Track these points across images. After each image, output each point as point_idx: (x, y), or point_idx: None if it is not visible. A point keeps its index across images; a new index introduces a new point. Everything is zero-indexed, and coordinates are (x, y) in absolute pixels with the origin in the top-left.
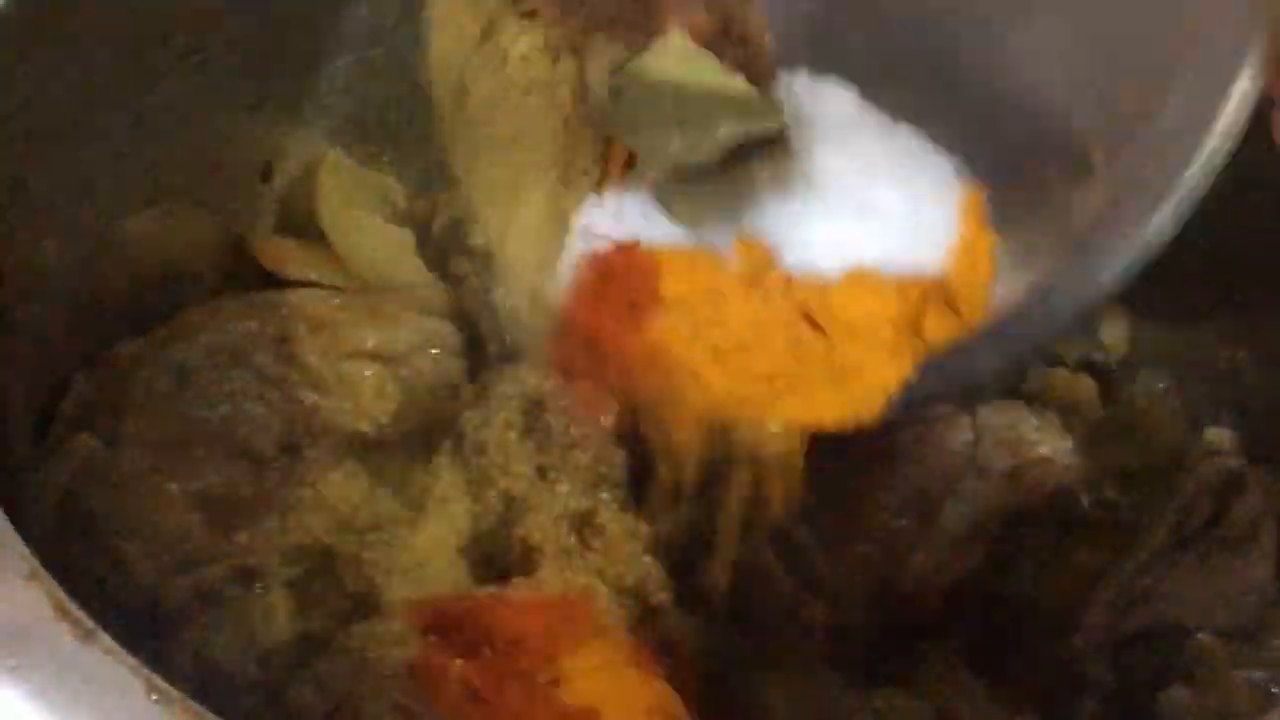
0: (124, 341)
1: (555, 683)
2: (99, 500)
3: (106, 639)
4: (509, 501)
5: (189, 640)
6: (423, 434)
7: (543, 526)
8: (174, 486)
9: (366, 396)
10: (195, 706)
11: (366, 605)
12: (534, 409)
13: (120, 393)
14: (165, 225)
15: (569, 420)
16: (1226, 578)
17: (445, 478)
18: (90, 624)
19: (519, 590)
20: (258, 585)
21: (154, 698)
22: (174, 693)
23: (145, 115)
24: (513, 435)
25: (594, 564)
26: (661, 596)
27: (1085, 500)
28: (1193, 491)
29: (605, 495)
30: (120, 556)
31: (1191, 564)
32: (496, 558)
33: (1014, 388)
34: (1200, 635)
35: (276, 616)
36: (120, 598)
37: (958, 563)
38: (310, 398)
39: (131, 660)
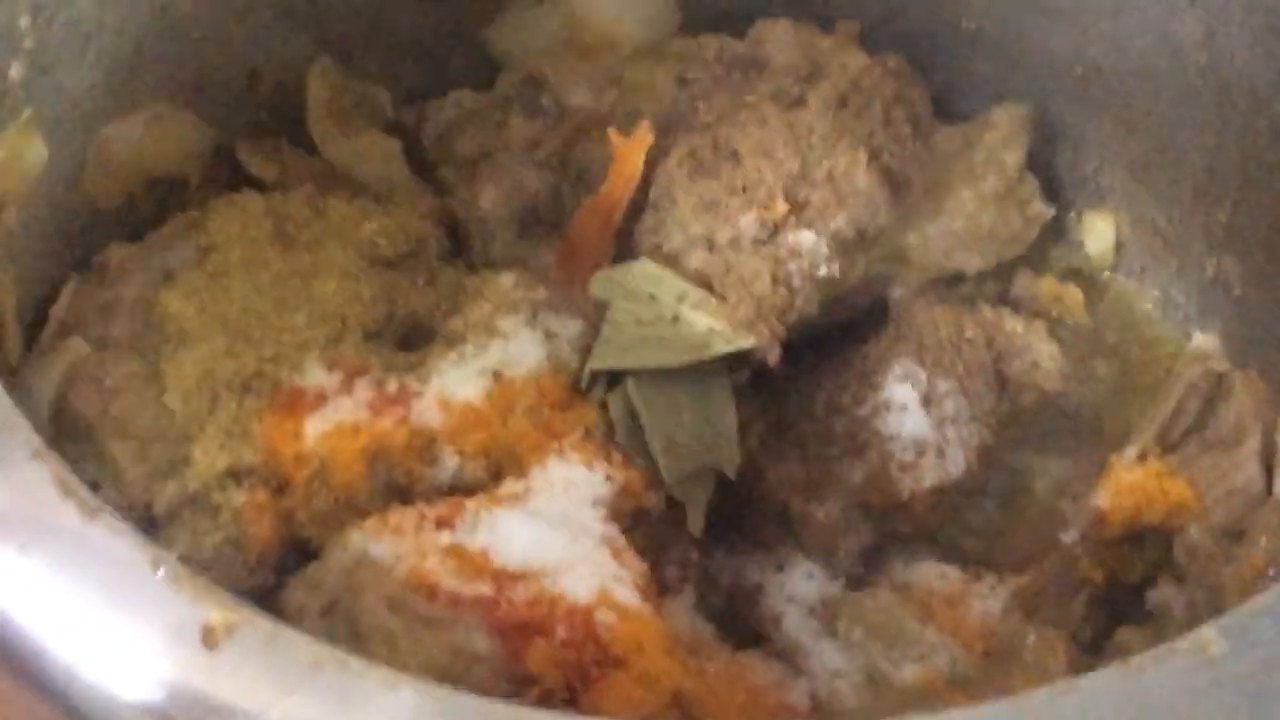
0: (114, 246)
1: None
2: (90, 404)
3: (110, 517)
4: None
5: (180, 545)
6: (408, 336)
7: (536, 424)
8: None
9: (355, 299)
10: (201, 581)
11: (355, 507)
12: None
13: (111, 297)
14: (152, 130)
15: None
16: (1213, 479)
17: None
18: (95, 502)
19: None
20: (246, 489)
21: (160, 573)
22: (180, 568)
23: (132, 20)
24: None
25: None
26: (653, 499)
27: (1072, 405)
28: (1180, 396)
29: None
30: (111, 460)
31: (1178, 465)
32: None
33: (1001, 295)
34: (1190, 530)
35: (266, 520)
36: (112, 502)
37: (948, 466)
38: (297, 301)
39: (139, 537)
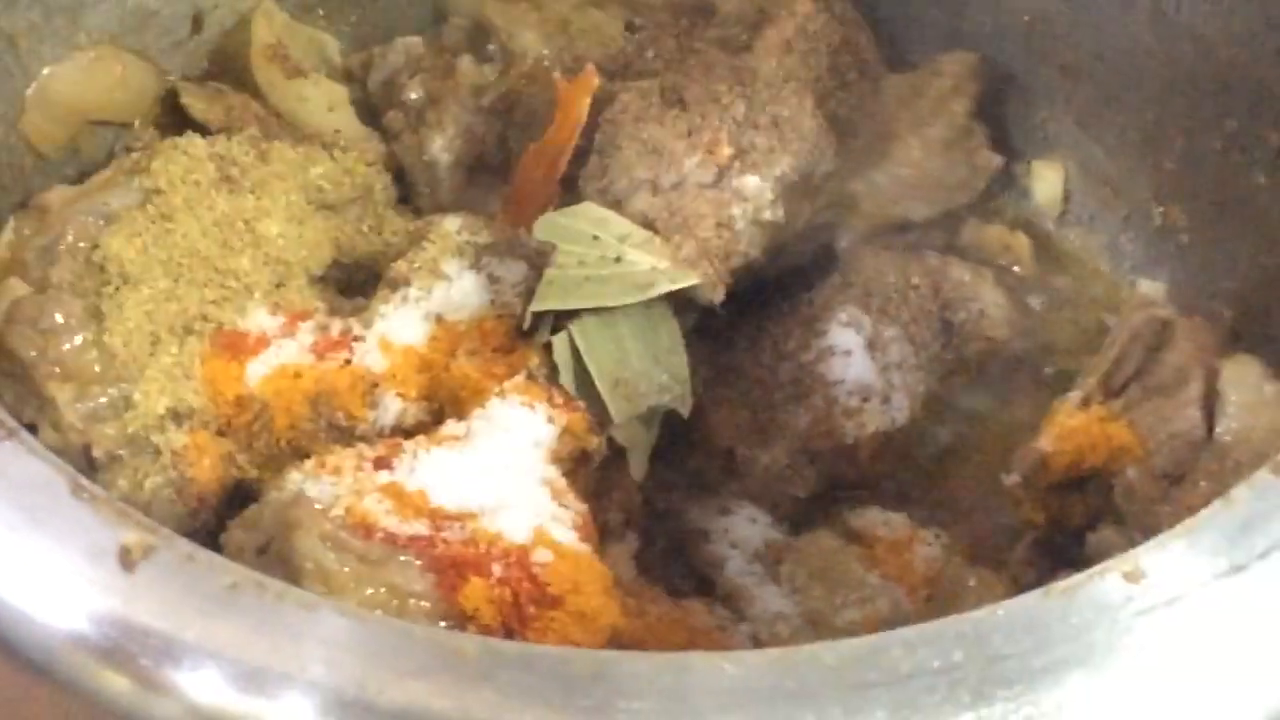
0: (56, 188)
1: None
2: (28, 346)
3: (29, 438)
4: None
5: (120, 487)
6: (354, 281)
7: (478, 367)
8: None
9: (300, 243)
10: (119, 504)
11: (297, 449)
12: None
13: (52, 238)
14: (94, 73)
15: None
16: (1155, 423)
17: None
18: (13, 424)
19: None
20: (187, 430)
21: (81, 496)
22: (99, 490)
23: None
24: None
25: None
26: (595, 441)
27: (1019, 353)
28: (1124, 342)
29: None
30: (50, 402)
31: (1121, 410)
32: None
33: (949, 244)
34: (1128, 472)
35: (207, 462)
36: (51, 443)
37: (893, 412)
38: (241, 244)
39: (55, 459)
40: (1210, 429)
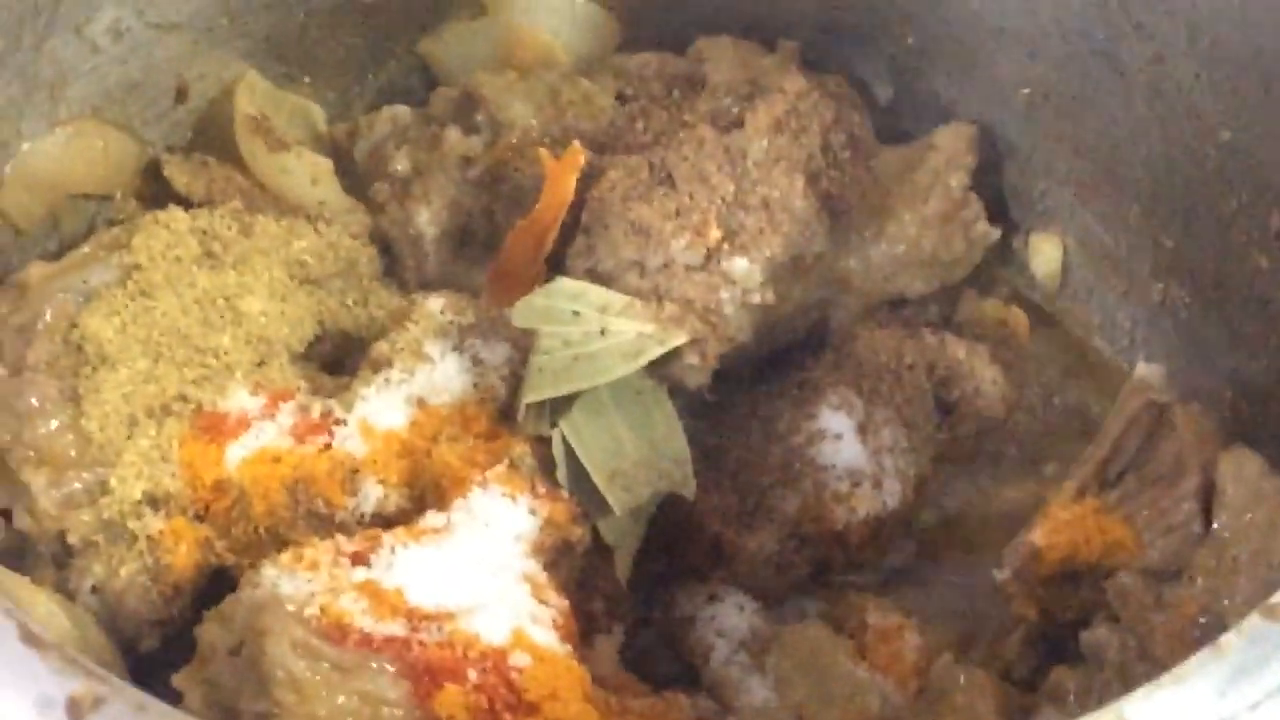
0: (34, 264)
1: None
2: (3, 430)
3: None
4: None
5: (94, 575)
6: (339, 355)
7: (460, 455)
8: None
9: (282, 320)
10: (68, 652)
11: (276, 536)
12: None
13: (29, 318)
14: (75, 146)
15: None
16: (1151, 516)
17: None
18: None
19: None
20: (164, 516)
21: (31, 643)
22: (48, 637)
23: (52, 36)
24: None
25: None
26: (578, 532)
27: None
28: (1120, 430)
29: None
30: (24, 488)
31: (1116, 501)
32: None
33: (945, 318)
34: (1121, 576)
35: (184, 548)
36: (26, 529)
37: (885, 497)
38: (222, 322)
39: (5, 602)
40: (1208, 523)
